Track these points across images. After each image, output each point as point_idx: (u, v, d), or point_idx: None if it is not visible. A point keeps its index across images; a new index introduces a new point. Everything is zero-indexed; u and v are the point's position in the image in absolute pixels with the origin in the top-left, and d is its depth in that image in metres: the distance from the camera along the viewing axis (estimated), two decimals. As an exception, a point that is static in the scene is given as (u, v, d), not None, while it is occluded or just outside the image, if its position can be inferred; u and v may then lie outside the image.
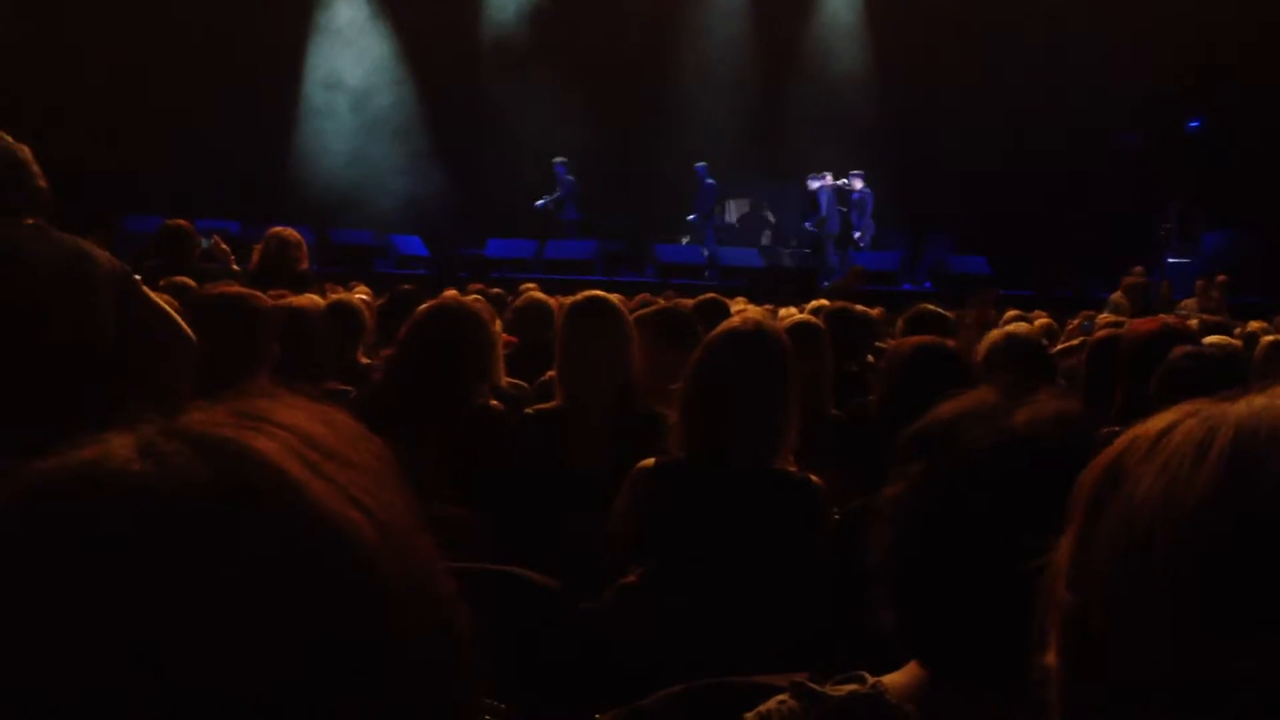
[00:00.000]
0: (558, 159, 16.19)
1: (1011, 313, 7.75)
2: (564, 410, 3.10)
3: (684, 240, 16.66)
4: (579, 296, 3.30)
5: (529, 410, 3.15)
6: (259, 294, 3.31)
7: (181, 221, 6.40)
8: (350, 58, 17.09)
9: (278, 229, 6.28)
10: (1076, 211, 15.56)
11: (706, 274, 15.22)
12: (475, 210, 16.42)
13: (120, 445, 0.60)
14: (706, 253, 15.84)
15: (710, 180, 16.18)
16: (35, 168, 3.04)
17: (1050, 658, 0.72)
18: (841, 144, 16.52)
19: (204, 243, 6.85)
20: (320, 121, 17.03)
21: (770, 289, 12.05)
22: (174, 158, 14.73)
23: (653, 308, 4.26)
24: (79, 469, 0.59)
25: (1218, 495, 0.64)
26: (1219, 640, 0.62)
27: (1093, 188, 15.66)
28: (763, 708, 1.14)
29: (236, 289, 3.33)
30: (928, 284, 15.52)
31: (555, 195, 16.30)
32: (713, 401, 2.40)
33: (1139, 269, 13.01)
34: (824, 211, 15.95)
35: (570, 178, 16.29)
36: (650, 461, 2.46)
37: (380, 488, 0.64)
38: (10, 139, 3.06)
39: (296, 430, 0.64)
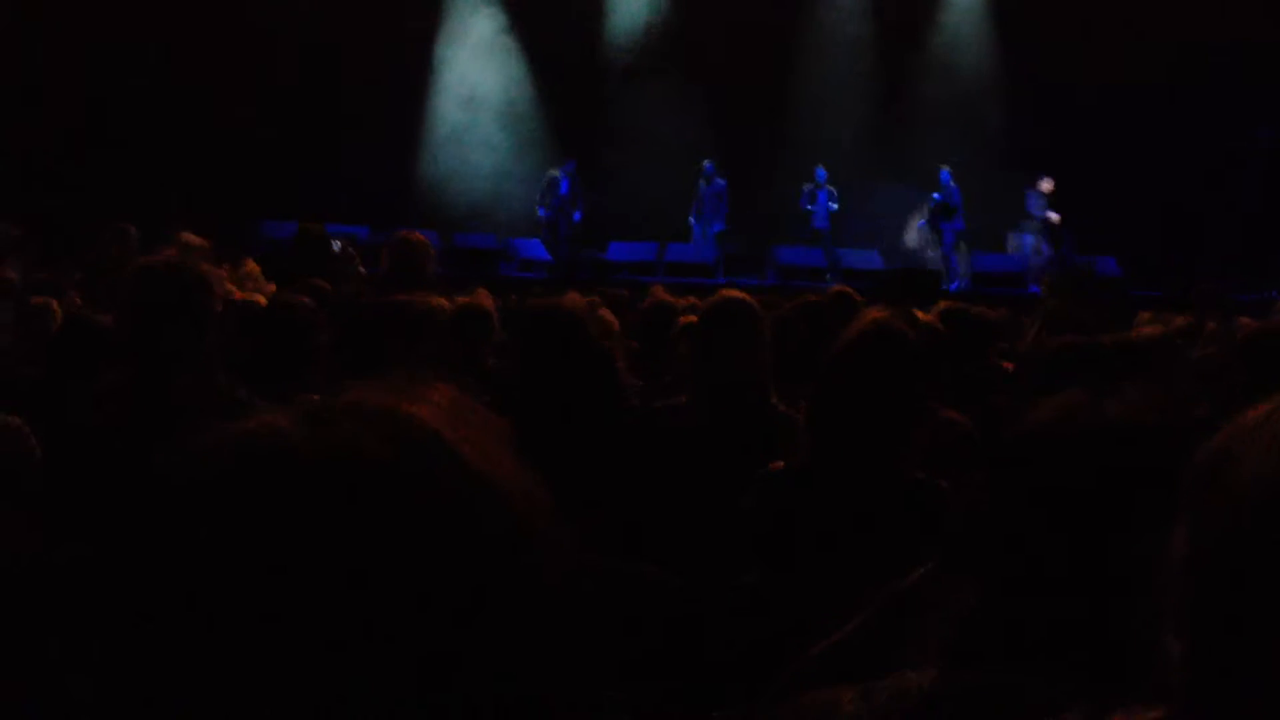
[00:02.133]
0: (567, 166, 16.00)
1: (1145, 315, 7.55)
2: (692, 408, 3.13)
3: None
4: (715, 299, 3.30)
5: (657, 405, 3.17)
6: (415, 299, 3.41)
7: (316, 225, 6.61)
8: (478, 67, 17.37)
9: (405, 233, 6.42)
10: (1210, 211, 15.03)
11: (828, 277, 15.11)
12: (597, 214, 16.56)
13: (279, 417, 0.65)
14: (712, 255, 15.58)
15: (720, 180, 15.92)
16: None
17: (1172, 644, 0.73)
18: (966, 143, 16.25)
19: (334, 245, 7.06)
20: (447, 129, 17.35)
21: (893, 292, 11.89)
22: (306, 165, 15.15)
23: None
24: (240, 437, 0.64)
25: None
26: None
27: (1228, 186, 15.12)
28: None
29: (402, 297, 3.43)
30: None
31: (550, 203, 15.98)
32: (844, 406, 2.38)
33: None
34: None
35: (564, 180, 15.93)
36: (779, 464, 2.46)
37: (510, 457, 0.69)
38: None
39: (438, 402, 0.68)
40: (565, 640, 0.66)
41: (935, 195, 15.73)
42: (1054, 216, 15.35)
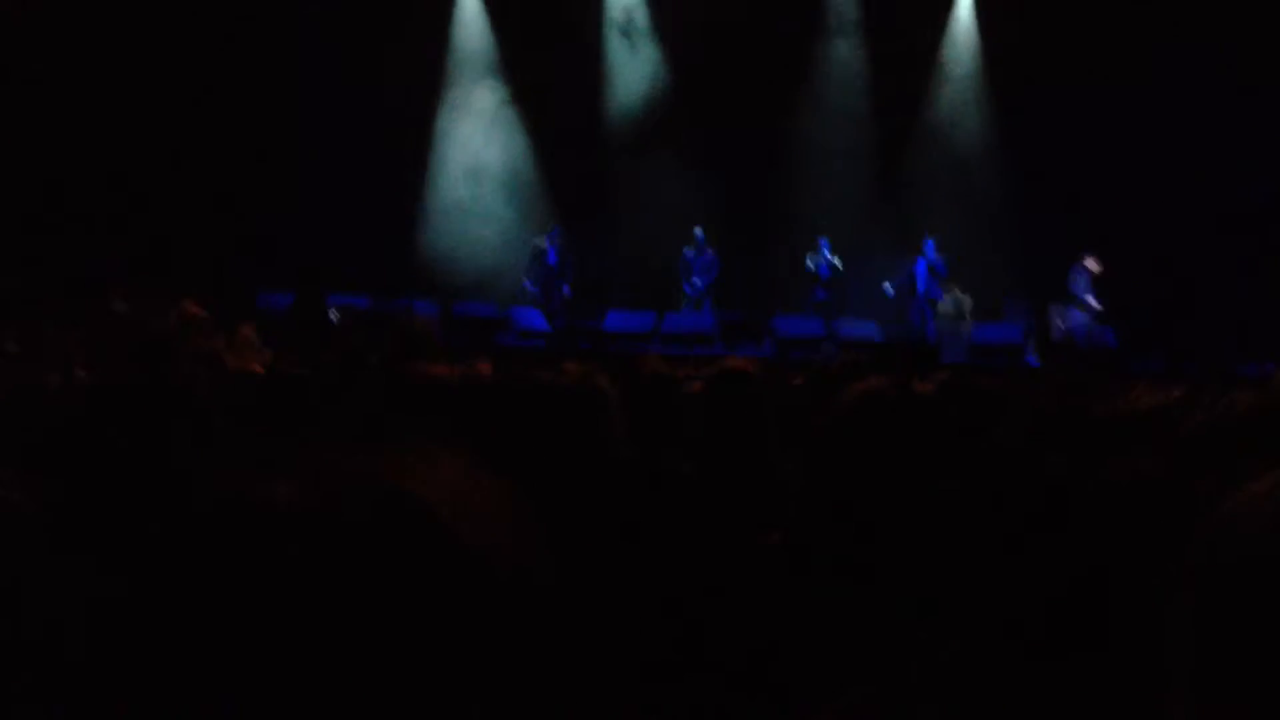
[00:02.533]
0: (551, 235, 16.14)
1: (1142, 386, 7.56)
2: (693, 474, 3.13)
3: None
4: (719, 368, 3.33)
5: (657, 474, 3.17)
6: (416, 368, 3.44)
7: (314, 294, 6.65)
8: (480, 139, 17.59)
9: (410, 307, 6.47)
10: (1208, 279, 15.11)
11: (826, 347, 15.16)
12: (595, 283, 16.68)
13: (276, 483, 0.67)
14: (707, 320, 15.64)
15: (709, 251, 16.10)
16: None
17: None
18: (964, 213, 16.41)
19: (331, 315, 7.09)
20: (449, 200, 17.51)
21: (890, 362, 11.95)
22: (307, 235, 15.26)
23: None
24: (233, 501, 0.66)
25: None
26: None
27: (1225, 255, 15.21)
28: None
29: (404, 366, 3.47)
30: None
31: (538, 274, 16.07)
32: (844, 473, 2.39)
33: None
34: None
35: (550, 250, 16.04)
36: (777, 536, 2.46)
37: (505, 524, 0.71)
38: None
39: (440, 477, 0.70)
40: (561, 663, 0.69)
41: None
42: (1095, 304, 15.15)
